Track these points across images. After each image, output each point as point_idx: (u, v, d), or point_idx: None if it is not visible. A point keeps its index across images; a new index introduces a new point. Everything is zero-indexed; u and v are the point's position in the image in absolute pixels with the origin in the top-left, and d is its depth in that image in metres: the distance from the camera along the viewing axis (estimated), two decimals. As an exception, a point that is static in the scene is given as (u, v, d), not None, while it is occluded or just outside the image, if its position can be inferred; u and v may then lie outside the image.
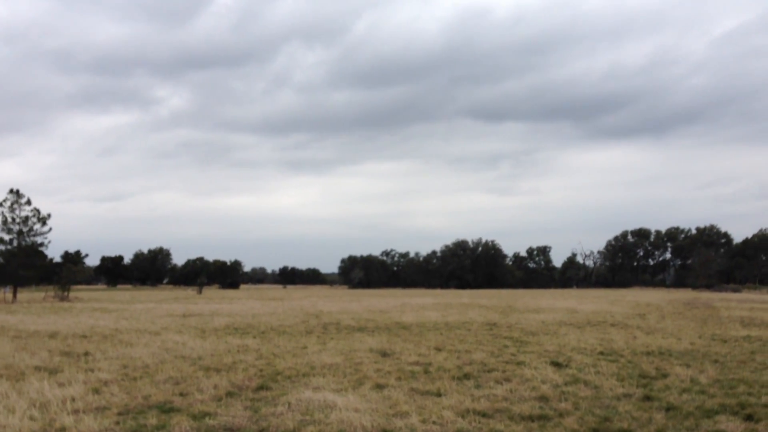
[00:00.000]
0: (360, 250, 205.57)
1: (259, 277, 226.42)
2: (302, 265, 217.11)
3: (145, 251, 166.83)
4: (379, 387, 10.80)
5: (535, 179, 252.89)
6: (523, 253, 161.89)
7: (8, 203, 53.62)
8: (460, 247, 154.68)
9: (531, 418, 8.68)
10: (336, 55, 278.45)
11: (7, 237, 54.00)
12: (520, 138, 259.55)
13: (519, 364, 13.49)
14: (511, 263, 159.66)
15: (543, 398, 9.93)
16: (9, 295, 53.47)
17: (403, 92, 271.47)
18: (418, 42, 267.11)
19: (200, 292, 79.96)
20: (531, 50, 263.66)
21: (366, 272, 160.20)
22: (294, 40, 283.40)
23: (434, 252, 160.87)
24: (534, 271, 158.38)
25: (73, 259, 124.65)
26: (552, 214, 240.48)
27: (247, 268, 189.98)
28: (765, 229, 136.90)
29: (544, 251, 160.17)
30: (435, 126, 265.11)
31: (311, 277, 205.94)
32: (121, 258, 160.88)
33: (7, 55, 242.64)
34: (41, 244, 55.60)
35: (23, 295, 61.16)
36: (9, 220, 53.77)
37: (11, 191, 53.69)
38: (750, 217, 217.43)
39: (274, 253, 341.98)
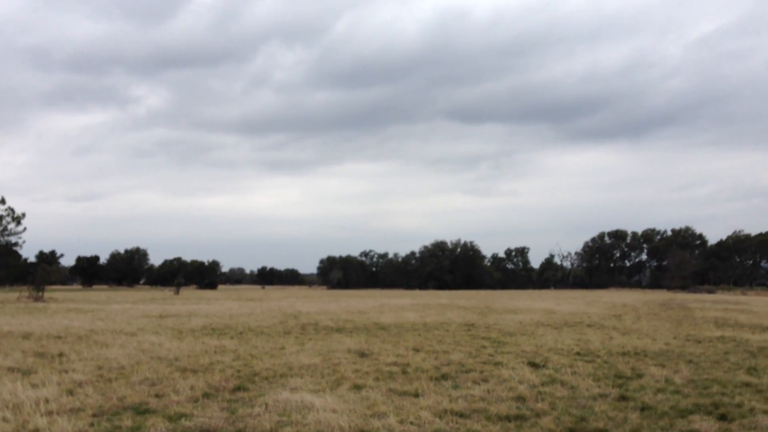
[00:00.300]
0: (339, 251, 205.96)
1: (237, 277, 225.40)
2: (281, 265, 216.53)
3: (122, 251, 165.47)
4: (357, 388, 10.79)
5: (513, 181, 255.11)
6: (502, 254, 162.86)
7: (-19, 202, 52.90)
8: (439, 248, 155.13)
9: (508, 418, 8.72)
10: (315, 55, 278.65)
11: (-20, 236, 53.34)
12: (498, 139, 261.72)
13: (496, 364, 13.54)
14: (489, 264, 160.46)
15: (520, 398, 9.98)
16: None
17: (383, 93, 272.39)
18: (397, 43, 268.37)
19: (177, 292, 79.28)
20: (510, 52, 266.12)
21: (345, 273, 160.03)
22: (273, 39, 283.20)
23: (413, 253, 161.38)
24: (512, 272, 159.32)
25: (48, 259, 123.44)
26: (530, 216, 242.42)
27: (225, 268, 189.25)
28: (739, 231, 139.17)
29: (522, 252, 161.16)
30: (414, 127, 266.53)
31: (290, 278, 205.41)
32: (96, 258, 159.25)
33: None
34: (15, 244, 55.04)
35: (-4, 295, 60.29)
36: (-18, 219, 53.09)
37: (-15, 190, 52.95)
38: (724, 219, 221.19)
39: (252, 254, 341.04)
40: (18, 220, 54.06)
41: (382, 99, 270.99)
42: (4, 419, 8.51)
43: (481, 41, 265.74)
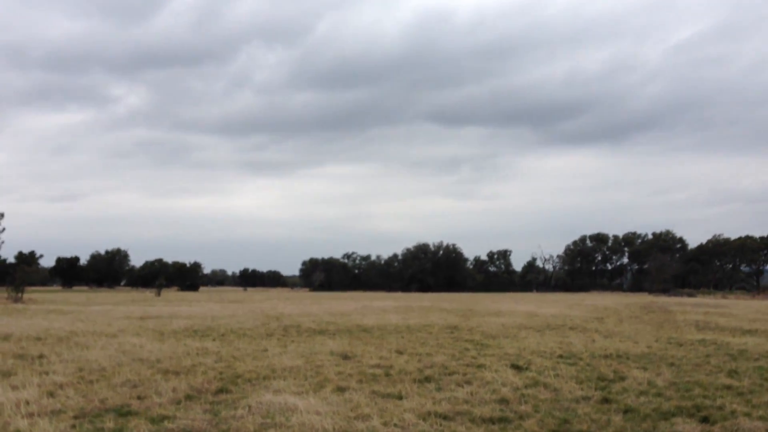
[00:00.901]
0: (321, 253, 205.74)
1: (219, 279, 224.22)
2: (263, 267, 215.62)
3: (102, 252, 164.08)
4: (341, 390, 10.76)
5: (495, 184, 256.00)
6: (484, 257, 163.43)
7: (-40, 202, 52.27)
8: (421, 250, 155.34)
9: (491, 421, 8.74)
10: (297, 56, 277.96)
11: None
12: (480, 142, 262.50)
13: (479, 367, 13.56)
14: (471, 267, 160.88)
15: (503, 401, 10.00)
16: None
17: (364, 95, 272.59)
18: (379, 45, 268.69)
19: (159, 294, 78.77)
20: (491, 55, 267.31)
21: (327, 275, 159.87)
22: (254, 40, 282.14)
23: (395, 255, 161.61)
24: (494, 274, 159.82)
25: (27, 259, 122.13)
26: (512, 219, 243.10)
27: (207, 270, 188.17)
28: (718, 235, 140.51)
29: (504, 255, 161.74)
30: (396, 129, 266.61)
31: (272, 280, 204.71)
32: (77, 259, 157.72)
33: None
34: (-6, 244, 54.28)
35: (-25, 296, 59.50)
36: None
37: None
38: (704, 223, 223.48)
39: (234, 255, 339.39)
40: (-4, 220, 53.40)
41: (363, 101, 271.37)
42: (-17, 421, 8.40)
43: (463, 44, 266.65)
